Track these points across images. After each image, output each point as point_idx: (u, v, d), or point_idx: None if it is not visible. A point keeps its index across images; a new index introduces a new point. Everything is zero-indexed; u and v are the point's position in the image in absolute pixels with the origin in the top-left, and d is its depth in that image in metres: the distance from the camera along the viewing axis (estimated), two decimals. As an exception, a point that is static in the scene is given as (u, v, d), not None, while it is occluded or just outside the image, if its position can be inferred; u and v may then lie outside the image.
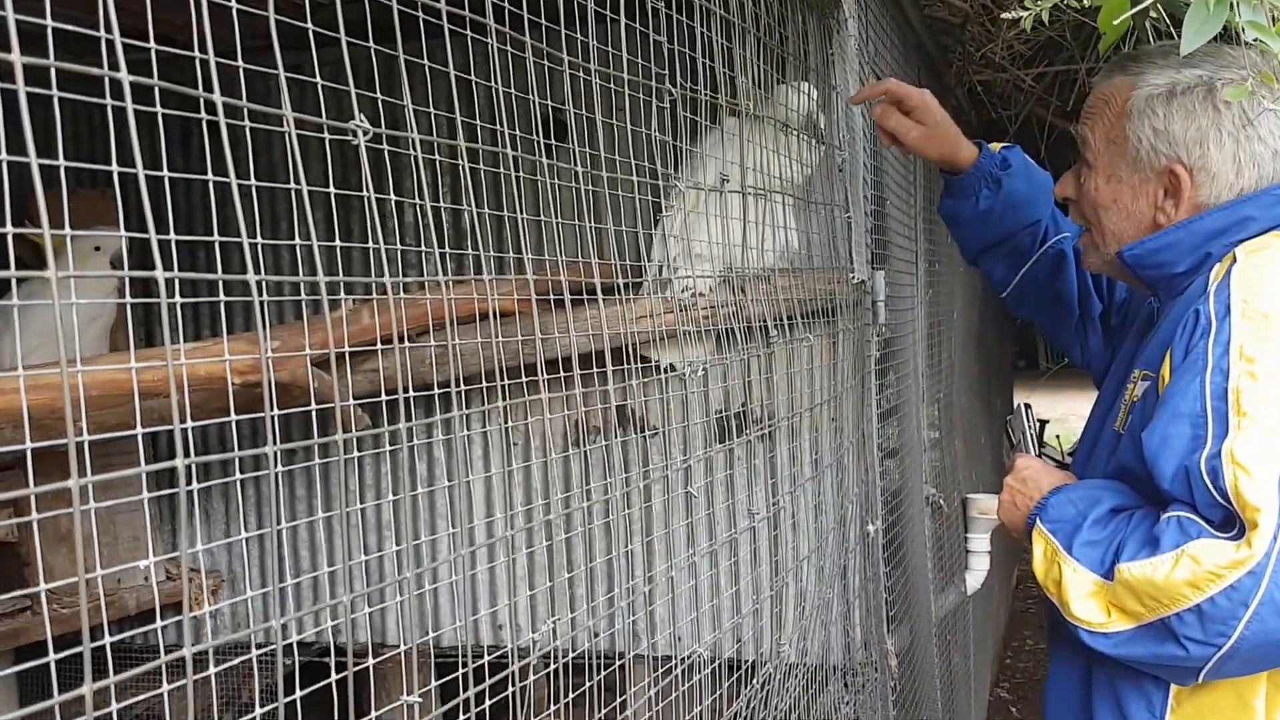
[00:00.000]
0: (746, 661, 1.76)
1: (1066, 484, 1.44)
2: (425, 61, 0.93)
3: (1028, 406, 1.67)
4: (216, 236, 0.79)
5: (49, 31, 0.68)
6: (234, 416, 0.78)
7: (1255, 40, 1.28)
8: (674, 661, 1.43)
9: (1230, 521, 1.19)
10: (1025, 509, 1.44)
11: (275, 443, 0.73)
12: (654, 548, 2.07)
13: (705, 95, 1.35)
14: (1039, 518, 1.39)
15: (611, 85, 1.15)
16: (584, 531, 2.08)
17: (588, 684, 1.19)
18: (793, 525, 2.02)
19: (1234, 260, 1.34)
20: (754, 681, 1.60)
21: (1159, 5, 1.49)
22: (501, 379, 1.30)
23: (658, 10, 1.19)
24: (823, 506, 1.96)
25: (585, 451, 2.10)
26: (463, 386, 1.16)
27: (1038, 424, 1.68)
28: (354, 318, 1.73)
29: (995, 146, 1.85)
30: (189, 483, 0.74)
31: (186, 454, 0.65)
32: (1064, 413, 9.33)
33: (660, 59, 1.25)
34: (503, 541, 1.95)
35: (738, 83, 1.48)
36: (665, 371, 1.80)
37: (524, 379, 1.39)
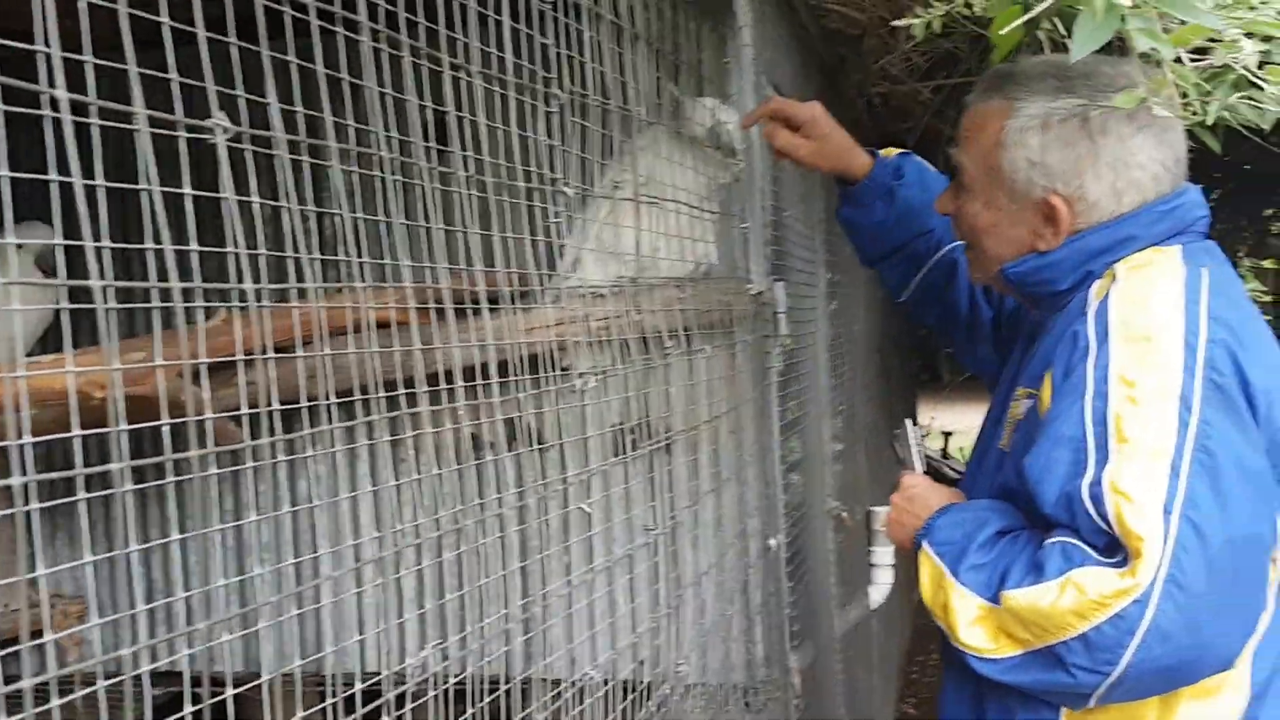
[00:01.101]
0: (643, 682, 1.75)
1: (954, 503, 1.47)
2: (293, 59, 0.90)
3: (913, 423, 1.70)
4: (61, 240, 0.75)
5: None
6: (79, 432, 0.74)
7: (1151, 50, 1.32)
8: (564, 684, 1.41)
9: (1115, 547, 1.22)
10: (912, 528, 1.46)
11: (124, 459, 0.70)
12: (548, 565, 2.05)
13: (596, 101, 1.34)
14: (925, 539, 1.41)
15: (495, 88, 1.14)
16: (475, 549, 2.05)
17: (470, 710, 1.17)
18: (693, 541, 2.02)
19: (1114, 279, 1.38)
20: (649, 703, 1.59)
21: (1052, 17, 1.53)
22: (378, 391, 1.27)
23: (543, 13, 1.18)
24: (722, 521, 1.97)
25: (476, 466, 2.07)
26: (332, 400, 1.13)
27: (924, 441, 1.71)
28: (221, 329, 1.68)
29: (890, 153, 1.88)
30: (38, 501, 0.70)
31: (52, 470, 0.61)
32: (968, 425, 9.58)
33: (546, 62, 1.24)
34: (384, 561, 1.91)
35: (629, 89, 1.48)
36: (557, 384, 1.79)
37: (407, 390, 1.36)
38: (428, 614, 2.08)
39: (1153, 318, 1.30)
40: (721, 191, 1.88)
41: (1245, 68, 1.40)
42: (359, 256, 1.06)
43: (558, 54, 1.19)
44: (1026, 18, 1.34)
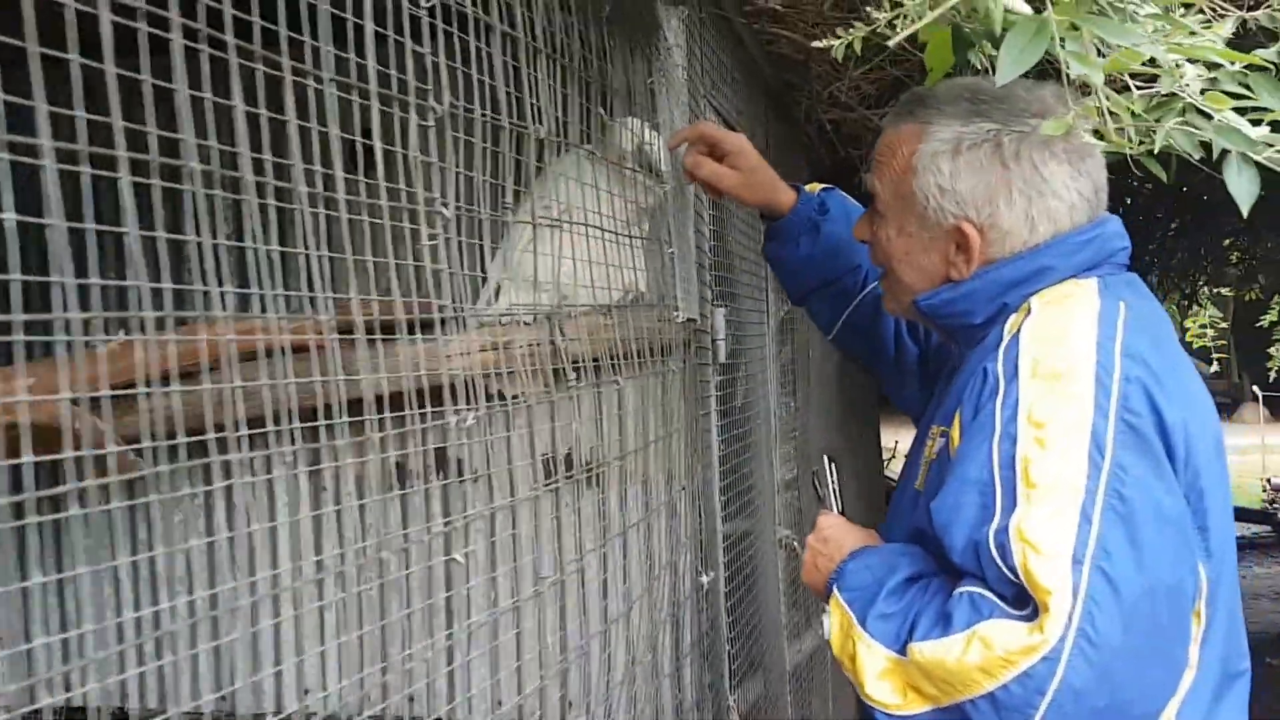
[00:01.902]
0: (564, 723, 1.69)
1: (868, 546, 1.43)
2: (149, 79, 0.85)
3: (831, 460, 1.65)
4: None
5: None
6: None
7: (1081, 75, 1.29)
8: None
9: (1024, 598, 1.16)
10: (826, 571, 1.42)
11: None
12: (467, 600, 1.99)
13: (486, 117, 1.29)
14: (836, 584, 1.36)
15: (355, 98, 1.09)
16: (395, 582, 1.99)
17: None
18: (618, 576, 1.97)
19: (1028, 312, 1.34)
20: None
21: (983, 39, 1.50)
22: (292, 420, 1.21)
23: (418, 20, 1.13)
24: (649, 556, 1.91)
25: (399, 498, 2.01)
26: (243, 430, 1.07)
27: (839, 479, 1.66)
28: (120, 354, 1.61)
29: (814, 188, 1.85)
30: None
31: None
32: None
33: (423, 73, 1.18)
34: (295, 592, 1.85)
35: (529, 106, 1.43)
36: (479, 412, 1.74)
37: (325, 421, 1.30)
38: (343, 648, 2.01)
39: (1065, 353, 1.25)
40: (649, 216, 1.84)
41: (1189, 96, 1.37)
42: (226, 283, 1.00)
43: (434, 64, 1.13)
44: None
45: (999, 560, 1.17)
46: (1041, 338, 1.28)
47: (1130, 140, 1.39)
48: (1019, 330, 1.30)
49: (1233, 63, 1.35)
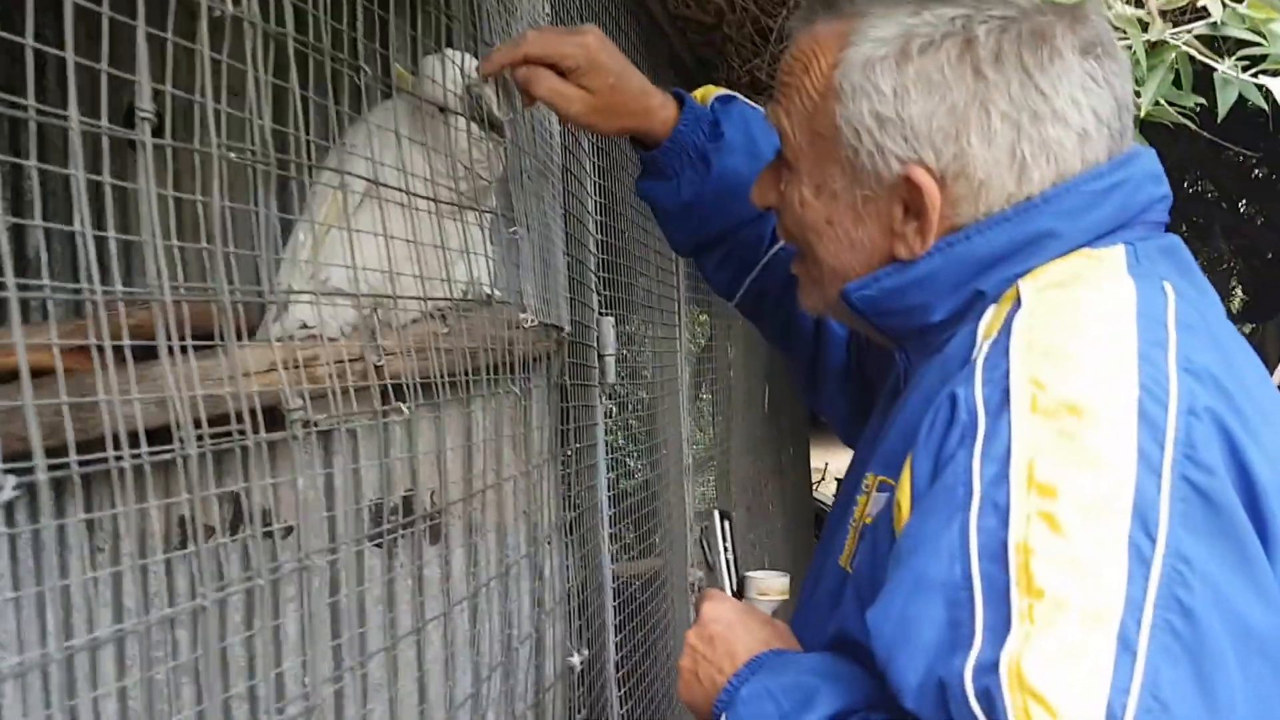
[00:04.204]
0: None
1: (771, 653, 1.03)
2: None
3: (723, 516, 1.24)
4: None
5: None
6: None
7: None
8: None
9: None
10: (711, 689, 1.02)
11: None
12: (282, 680, 1.57)
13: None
14: (725, 714, 0.97)
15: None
16: (185, 665, 1.57)
17: None
18: (472, 651, 1.56)
19: (1017, 304, 0.92)
20: None
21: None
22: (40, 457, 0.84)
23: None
24: (496, 631, 1.51)
25: (190, 558, 1.59)
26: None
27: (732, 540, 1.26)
28: None
29: (707, 95, 1.37)
30: None
31: None
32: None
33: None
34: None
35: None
36: (295, 443, 1.33)
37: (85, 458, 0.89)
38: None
39: (1084, 370, 0.84)
40: (492, 186, 1.44)
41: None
42: None
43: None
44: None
45: (980, 715, 0.75)
46: (1044, 345, 0.86)
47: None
48: (1006, 333, 0.89)
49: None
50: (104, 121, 0.79)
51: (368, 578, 1.56)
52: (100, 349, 1.15)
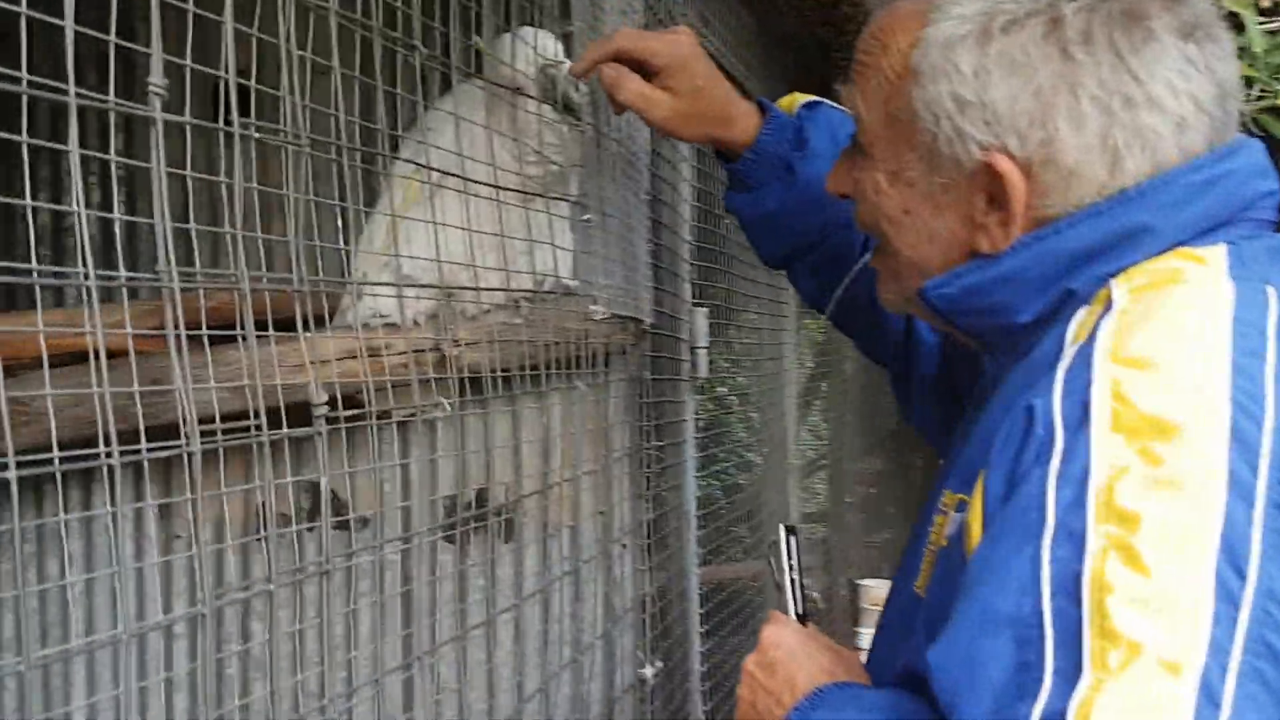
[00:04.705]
0: None
1: (835, 685, 0.95)
2: None
3: (789, 531, 1.16)
4: None
5: None
6: None
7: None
8: None
9: None
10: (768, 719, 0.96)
11: None
12: (354, 669, 1.56)
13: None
14: None
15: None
16: (258, 649, 1.59)
17: None
18: (542, 649, 1.53)
19: (1108, 306, 0.84)
20: None
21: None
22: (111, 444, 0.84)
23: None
24: (573, 630, 1.47)
25: (266, 545, 1.60)
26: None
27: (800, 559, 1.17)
28: None
29: (793, 103, 1.33)
30: None
31: None
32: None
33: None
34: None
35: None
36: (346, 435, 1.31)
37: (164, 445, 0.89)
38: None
39: (1172, 384, 0.77)
40: (566, 173, 1.39)
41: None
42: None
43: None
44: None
45: None
46: (1129, 353, 0.78)
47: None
48: (1092, 338, 0.82)
49: None
50: (186, 115, 0.77)
51: (440, 572, 1.55)
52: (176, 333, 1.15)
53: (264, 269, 1.01)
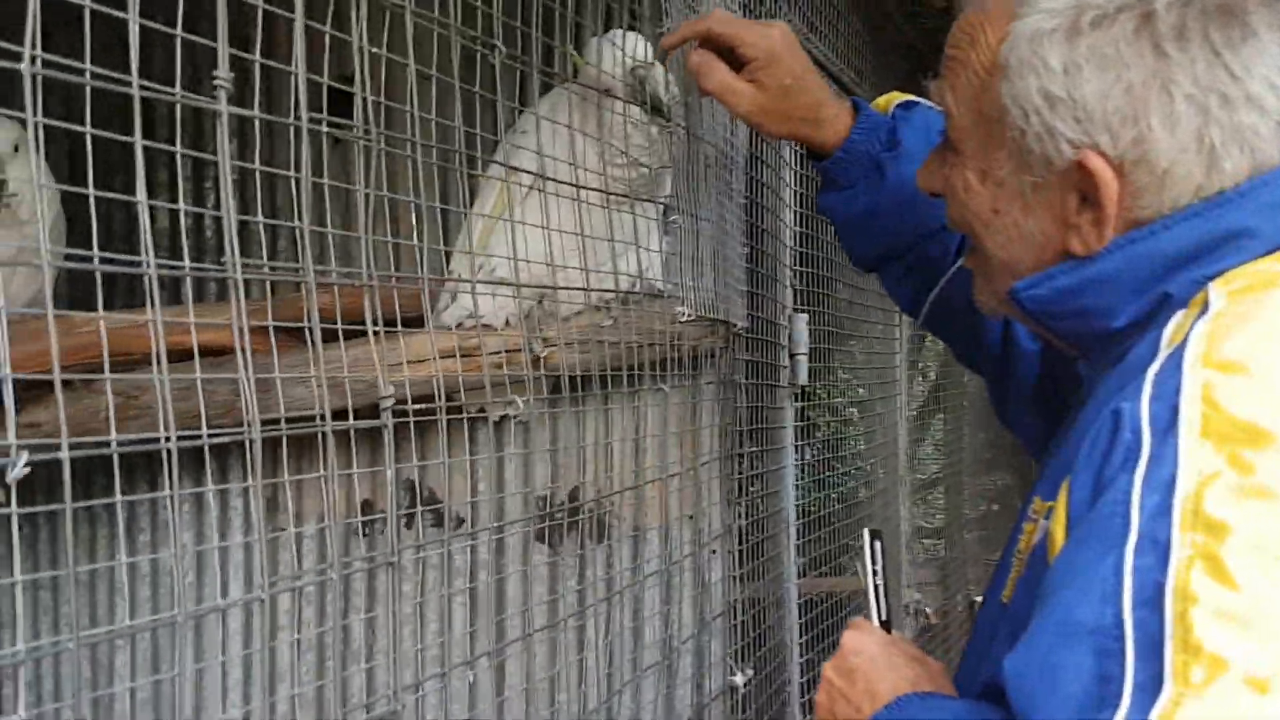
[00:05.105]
0: None
1: (915, 695, 0.93)
2: None
3: (874, 536, 1.14)
4: None
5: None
6: None
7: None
8: None
9: None
10: None
11: None
12: (447, 653, 1.60)
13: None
14: None
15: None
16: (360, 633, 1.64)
17: None
18: (633, 649, 1.54)
19: (1203, 308, 0.81)
20: None
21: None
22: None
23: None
24: (663, 631, 1.48)
25: (365, 537, 1.65)
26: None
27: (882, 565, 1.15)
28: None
29: (888, 103, 1.31)
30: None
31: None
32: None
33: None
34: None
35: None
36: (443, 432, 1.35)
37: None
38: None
39: (1265, 390, 0.75)
40: (666, 176, 1.39)
41: None
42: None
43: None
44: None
45: None
46: (1221, 358, 0.76)
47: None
48: (1184, 342, 0.80)
49: None
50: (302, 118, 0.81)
51: (532, 570, 1.57)
52: (276, 329, 1.20)
53: (392, 268, 1.04)
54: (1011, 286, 0.95)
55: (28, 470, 0.64)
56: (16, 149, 1.52)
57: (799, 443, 1.93)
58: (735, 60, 1.26)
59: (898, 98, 1.33)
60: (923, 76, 1.29)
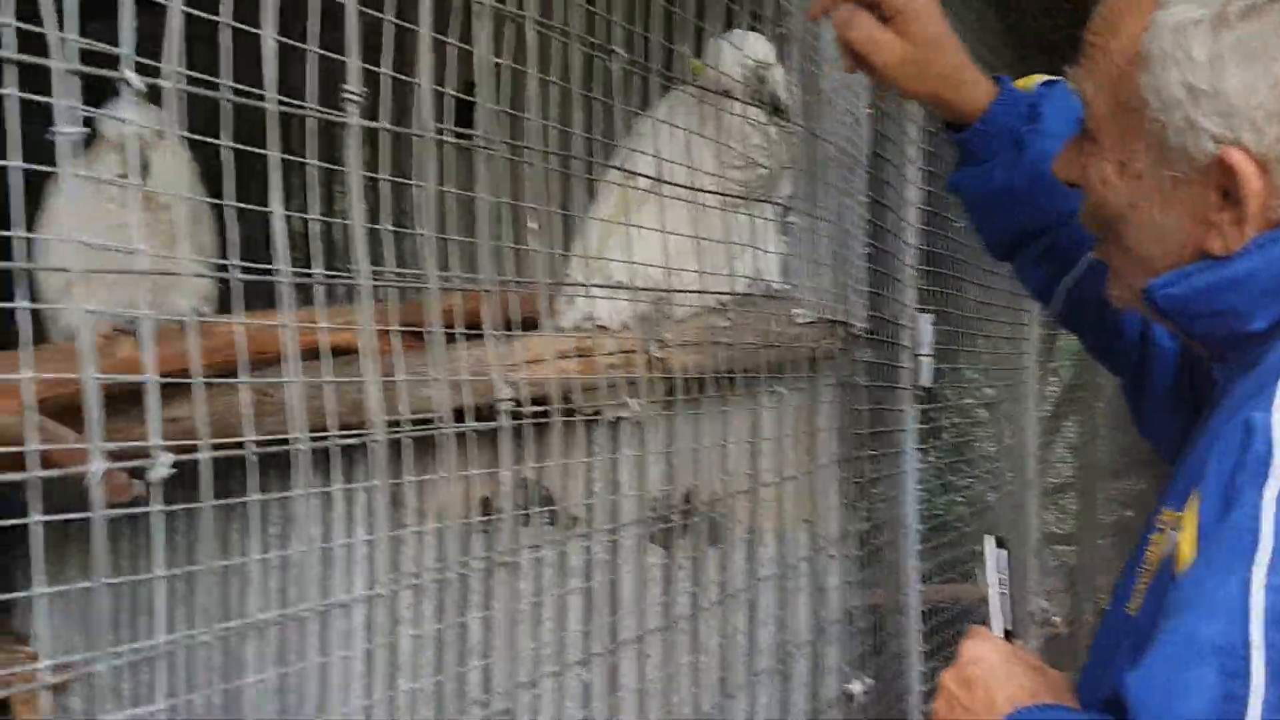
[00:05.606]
0: None
1: (1036, 708, 0.92)
2: None
3: (998, 543, 1.11)
4: None
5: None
6: None
7: None
8: None
9: None
10: None
11: None
12: (564, 650, 1.62)
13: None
14: None
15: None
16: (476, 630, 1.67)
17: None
18: (748, 652, 1.54)
19: None
20: None
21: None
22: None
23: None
24: (778, 635, 1.48)
25: (484, 533, 1.69)
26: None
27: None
28: (108, 348, 1.38)
29: (1030, 82, 1.25)
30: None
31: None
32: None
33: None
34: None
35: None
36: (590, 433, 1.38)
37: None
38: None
39: None
40: (786, 176, 1.39)
41: None
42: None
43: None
44: None
45: None
46: None
47: None
48: None
49: None
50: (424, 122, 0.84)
51: (646, 572, 1.58)
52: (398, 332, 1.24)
53: (514, 273, 1.07)
54: (1147, 284, 0.93)
55: (173, 471, 0.68)
56: (161, 135, 1.59)
57: (923, 445, 1.90)
58: (880, 18, 1.18)
59: (1040, 77, 1.28)
60: (1061, 75, 1.25)
